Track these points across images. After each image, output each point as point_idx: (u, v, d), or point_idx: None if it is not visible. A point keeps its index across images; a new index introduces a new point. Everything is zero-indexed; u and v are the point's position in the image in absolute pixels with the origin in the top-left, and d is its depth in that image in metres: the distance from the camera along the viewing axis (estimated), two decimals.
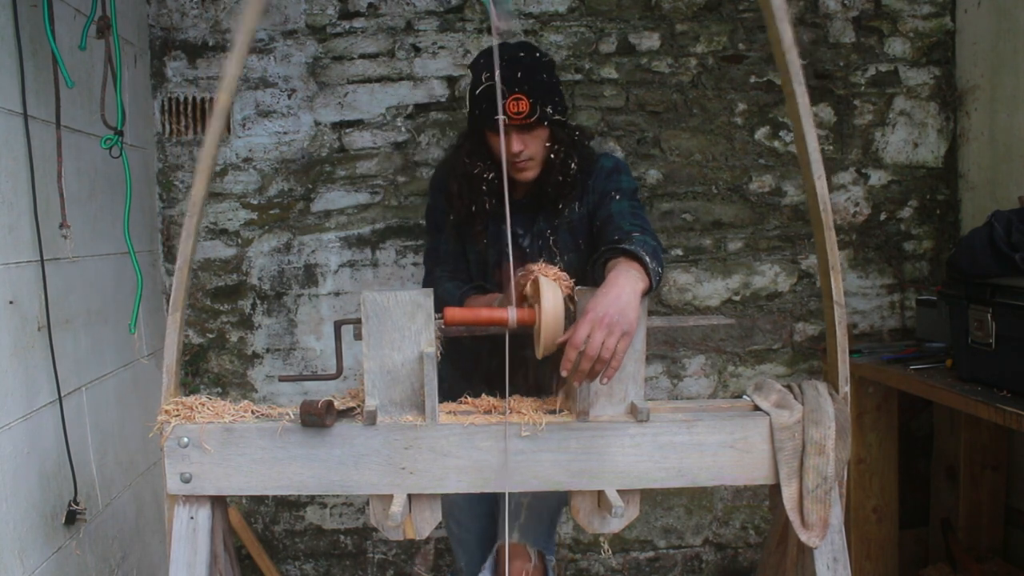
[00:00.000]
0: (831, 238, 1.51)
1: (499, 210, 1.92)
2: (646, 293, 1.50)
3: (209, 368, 2.97)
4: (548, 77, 1.86)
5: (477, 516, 2.11)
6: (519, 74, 1.79)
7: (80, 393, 2.22)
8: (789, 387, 1.56)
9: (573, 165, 1.88)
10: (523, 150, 1.84)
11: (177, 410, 1.48)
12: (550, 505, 2.03)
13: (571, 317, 1.50)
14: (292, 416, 1.49)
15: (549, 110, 1.83)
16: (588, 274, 1.85)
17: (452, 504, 2.05)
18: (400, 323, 1.47)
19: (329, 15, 2.90)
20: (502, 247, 1.95)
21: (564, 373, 1.42)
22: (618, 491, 1.48)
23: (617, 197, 1.91)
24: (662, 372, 3.05)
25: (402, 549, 3.05)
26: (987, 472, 2.79)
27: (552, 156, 1.87)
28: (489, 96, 1.79)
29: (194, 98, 2.90)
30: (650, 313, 1.54)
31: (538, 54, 1.88)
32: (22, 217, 1.96)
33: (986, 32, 2.83)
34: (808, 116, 1.47)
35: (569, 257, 1.95)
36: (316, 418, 1.43)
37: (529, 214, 1.96)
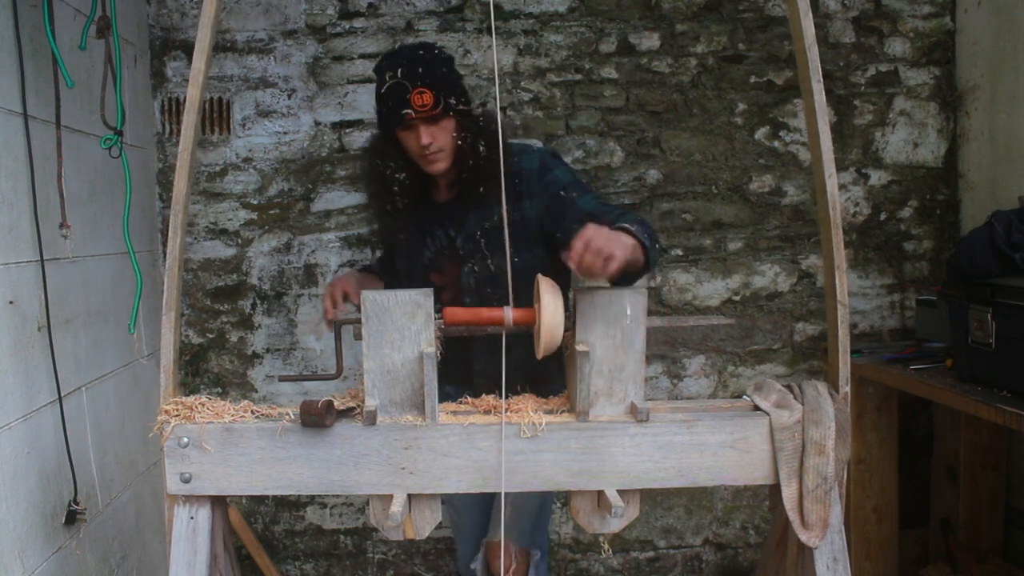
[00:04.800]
0: (838, 237, 1.51)
1: (425, 214, 1.99)
2: (643, 254, 1.59)
3: (209, 368, 2.97)
4: (448, 71, 1.91)
5: (469, 506, 2.15)
6: (420, 69, 1.84)
7: (80, 393, 2.22)
8: (789, 387, 1.56)
9: (482, 148, 1.90)
10: (432, 142, 1.87)
11: (177, 410, 1.48)
12: (531, 503, 2.06)
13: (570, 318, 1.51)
14: (292, 416, 1.49)
15: (452, 101, 1.87)
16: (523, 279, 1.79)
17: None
18: (400, 323, 1.47)
19: (329, 15, 2.90)
20: (439, 248, 1.99)
21: (572, 264, 1.46)
22: (618, 491, 1.48)
23: (575, 194, 1.90)
24: (662, 372, 3.05)
25: (402, 549, 3.05)
26: (987, 472, 2.79)
27: (460, 143, 1.90)
28: (394, 94, 1.84)
29: None
30: (650, 313, 1.54)
31: (437, 51, 1.93)
32: (22, 217, 1.96)
33: (986, 32, 2.83)
34: (823, 114, 1.48)
35: (516, 258, 1.92)
36: (316, 418, 1.43)
37: (460, 214, 1.98)
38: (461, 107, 1.90)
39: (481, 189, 1.92)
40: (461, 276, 1.96)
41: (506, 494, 1.95)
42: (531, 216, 1.94)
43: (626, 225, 1.61)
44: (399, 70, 1.84)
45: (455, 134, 1.89)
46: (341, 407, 1.49)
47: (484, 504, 2.13)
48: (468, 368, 1.96)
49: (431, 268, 2.00)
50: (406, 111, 1.83)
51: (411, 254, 2.03)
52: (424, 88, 1.83)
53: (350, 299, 1.90)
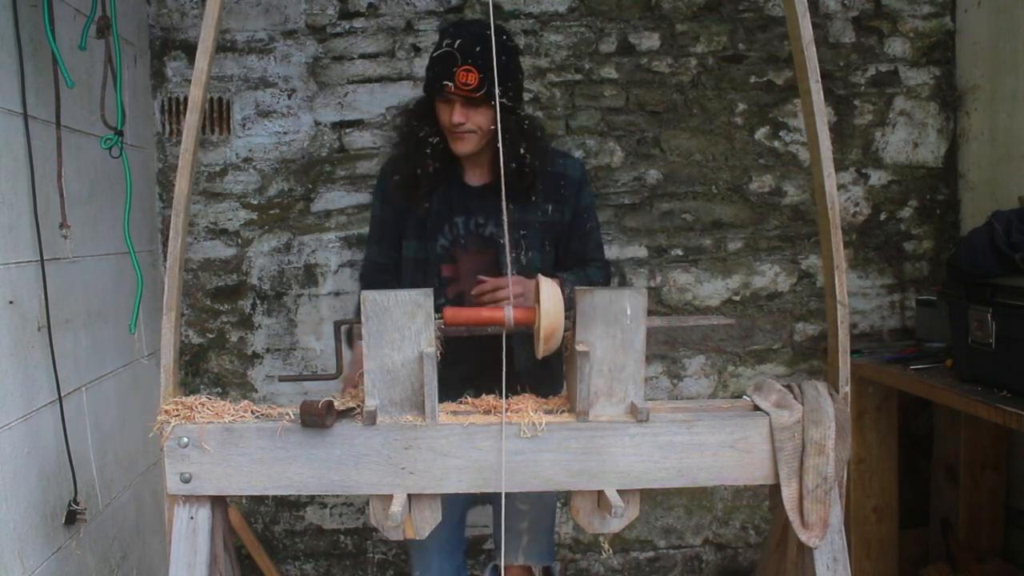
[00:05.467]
0: (837, 236, 1.50)
1: (453, 195, 1.96)
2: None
3: (209, 368, 2.97)
4: (507, 60, 1.86)
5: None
6: (478, 48, 1.80)
7: (80, 393, 2.22)
8: (789, 387, 1.56)
9: (522, 151, 1.88)
10: (464, 122, 1.84)
11: (177, 410, 1.48)
12: (545, 519, 2.05)
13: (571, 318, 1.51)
14: (292, 416, 1.49)
15: (498, 91, 1.81)
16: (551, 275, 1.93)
17: None
18: (400, 323, 1.47)
19: (329, 15, 2.90)
20: (456, 236, 1.96)
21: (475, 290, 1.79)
22: (618, 491, 1.48)
23: (593, 224, 2.04)
24: (662, 372, 3.05)
25: (402, 549, 3.05)
26: (987, 472, 2.78)
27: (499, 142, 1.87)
28: (442, 63, 1.82)
29: None
30: (650, 313, 1.54)
31: (504, 36, 1.89)
32: (22, 217, 1.96)
33: (986, 32, 2.83)
34: (822, 114, 1.48)
35: (532, 255, 1.95)
36: (316, 418, 1.43)
37: (495, 204, 1.92)
38: (504, 100, 1.84)
39: (533, 198, 1.93)
40: (503, 267, 1.92)
41: (522, 522, 1.97)
42: (566, 220, 1.98)
43: (565, 277, 1.88)
44: (457, 41, 1.81)
45: (493, 126, 1.85)
46: (341, 407, 1.49)
47: (455, 521, 2.08)
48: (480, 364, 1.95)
49: (444, 258, 1.96)
50: (447, 83, 1.81)
51: (424, 239, 1.98)
52: (472, 68, 1.79)
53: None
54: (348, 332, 1.99)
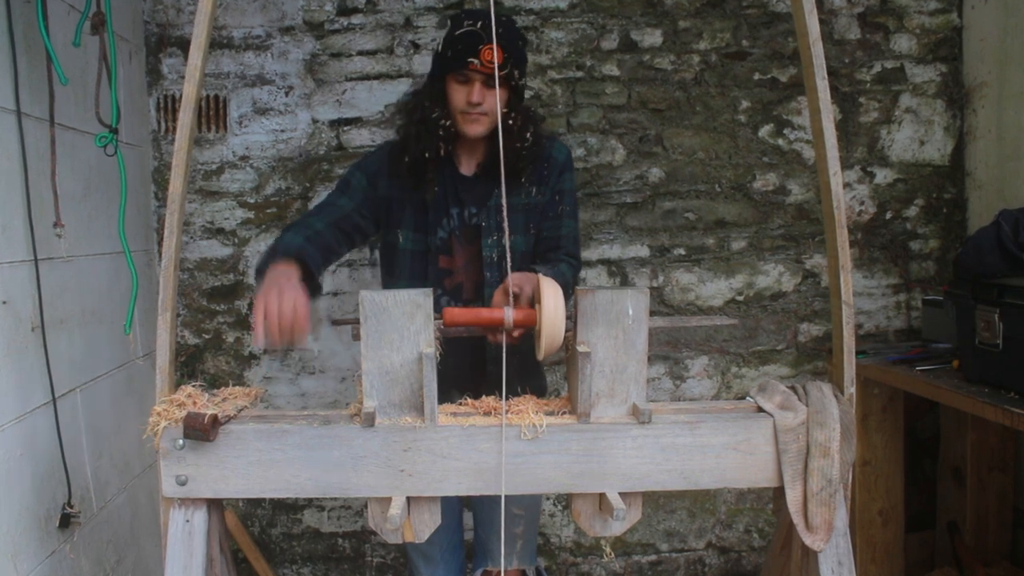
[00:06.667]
0: (843, 236, 1.50)
1: (449, 184, 1.96)
2: None
3: (205, 369, 2.95)
4: (523, 45, 1.93)
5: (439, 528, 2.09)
6: (500, 29, 1.80)
7: (74, 394, 2.20)
8: (793, 388, 1.55)
9: (529, 135, 1.89)
10: (482, 103, 1.85)
11: (169, 411, 1.46)
12: (535, 521, 2.08)
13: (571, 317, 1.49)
14: (290, 417, 1.47)
15: (516, 73, 1.87)
16: (531, 260, 1.95)
17: None
18: (399, 323, 1.45)
19: (327, 11, 2.88)
20: (452, 228, 1.96)
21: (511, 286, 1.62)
22: (620, 493, 1.46)
23: (568, 210, 2.00)
24: (665, 373, 3.02)
25: (401, 552, 3.03)
26: (994, 474, 2.76)
27: (511, 122, 1.88)
28: (466, 41, 1.83)
29: None
30: (652, 313, 1.53)
31: (516, 24, 1.95)
32: (15, 216, 1.94)
33: (993, 28, 2.81)
34: (828, 112, 1.47)
35: (515, 238, 1.97)
36: (201, 433, 1.39)
37: (483, 190, 1.96)
38: (519, 83, 1.90)
39: (523, 179, 1.94)
40: (483, 249, 1.94)
41: (516, 527, 1.97)
42: (545, 203, 1.99)
43: (540, 271, 1.74)
44: (479, 23, 1.83)
45: (505, 109, 1.87)
46: (224, 420, 1.44)
47: (454, 524, 2.09)
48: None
49: (441, 249, 1.97)
50: (472, 60, 1.82)
51: (424, 231, 1.97)
52: (497, 47, 1.80)
53: (296, 335, 1.56)
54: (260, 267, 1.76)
